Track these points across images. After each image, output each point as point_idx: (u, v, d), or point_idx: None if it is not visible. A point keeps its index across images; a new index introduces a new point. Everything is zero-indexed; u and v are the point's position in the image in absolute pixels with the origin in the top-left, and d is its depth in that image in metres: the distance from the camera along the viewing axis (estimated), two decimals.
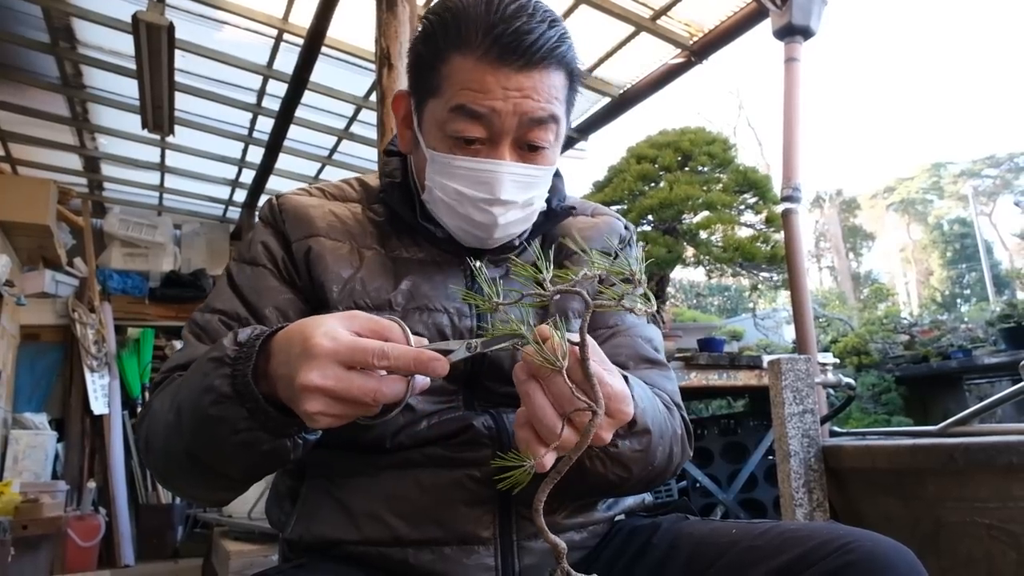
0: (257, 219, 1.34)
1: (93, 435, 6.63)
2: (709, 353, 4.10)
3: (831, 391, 3.69)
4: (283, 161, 6.36)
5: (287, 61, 5.02)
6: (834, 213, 31.44)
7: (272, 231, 1.27)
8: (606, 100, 5.50)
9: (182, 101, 5.33)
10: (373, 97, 5.34)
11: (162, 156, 6.60)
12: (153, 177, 7.11)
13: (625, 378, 1.01)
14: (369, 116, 5.87)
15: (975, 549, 1.93)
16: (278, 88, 5.41)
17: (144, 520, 6.60)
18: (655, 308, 0.86)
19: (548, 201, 1.30)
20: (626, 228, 1.45)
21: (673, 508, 1.33)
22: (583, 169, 6.57)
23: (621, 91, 5.36)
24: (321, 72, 5.04)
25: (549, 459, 0.87)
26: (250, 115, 5.98)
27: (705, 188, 4.58)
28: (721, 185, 4.62)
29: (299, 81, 4.96)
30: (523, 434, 0.91)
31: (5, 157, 6.47)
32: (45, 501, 5.02)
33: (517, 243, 1.30)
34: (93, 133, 6.30)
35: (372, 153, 6.29)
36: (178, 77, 4.85)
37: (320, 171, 7.10)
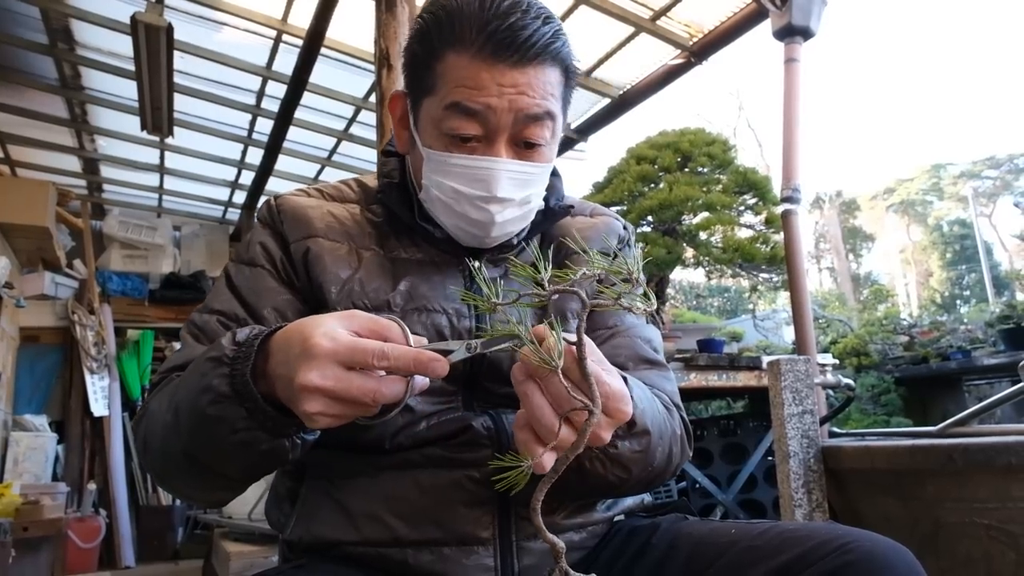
0: (256, 220, 1.34)
1: (93, 437, 6.63)
2: (709, 354, 4.10)
3: (830, 392, 3.69)
4: (282, 162, 6.37)
5: (286, 62, 5.02)
6: (834, 214, 31.45)
7: (270, 232, 1.27)
8: (606, 101, 5.50)
9: (181, 102, 5.34)
10: (372, 98, 5.34)
11: (161, 158, 6.60)
12: (152, 179, 7.12)
13: (624, 379, 1.00)
14: (368, 117, 5.87)
15: (974, 549, 1.93)
16: (277, 89, 5.41)
17: (144, 522, 6.60)
18: (655, 307, 0.86)
19: (546, 200, 1.30)
20: (625, 228, 1.45)
21: (672, 508, 1.33)
22: (583, 170, 6.57)
23: (621, 92, 5.36)
24: (320, 73, 5.04)
25: (548, 459, 0.87)
26: (249, 116, 5.98)
27: (705, 189, 4.58)
28: (721, 186, 4.62)
29: (298, 82, 4.96)
30: (523, 436, 0.91)
31: (4, 159, 6.47)
32: (45, 503, 5.02)
33: (515, 242, 1.30)
34: (92, 135, 6.30)
35: (371, 154, 6.29)
36: (177, 78, 4.86)
37: (319, 172, 7.10)
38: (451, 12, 1.12)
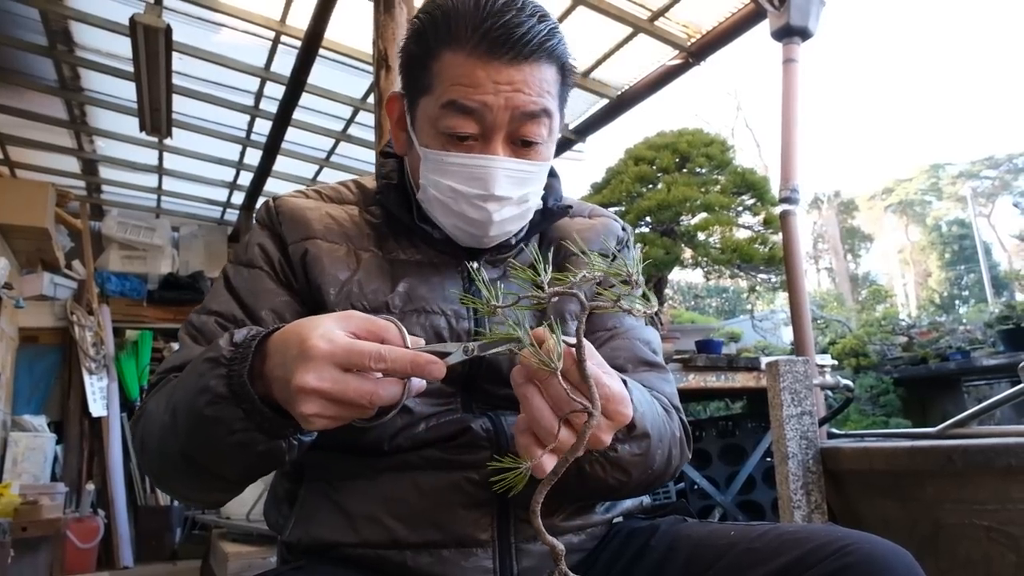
0: (254, 221, 1.34)
1: (92, 437, 6.63)
2: (707, 355, 4.09)
3: (829, 393, 3.69)
4: (281, 163, 6.37)
5: (285, 63, 5.02)
6: (832, 214, 31.48)
7: (269, 233, 1.27)
8: (604, 102, 5.49)
9: (180, 104, 5.33)
10: (371, 99, 5.35)
11: (160, 159, 6.60)
12: (151, 179, 7.12)
13: (624, 382, 1.00)
14: (367, 118, 5.87)
15: (974, 551, 1.93)
16: (276, 90, 5.41)
17: (143, 522, 6.59)
18: (655, 308, 0.86)
19: (544, 200, 1.30)
20: (623, 229, 1.45)
21: (671, 510, 1.33)
22: (581, 171, 6.58)
23: (619, 92, 5.35)
24: (319, 74, 5.04)
25: (547, 461, 0.87)
26: (248, 117, 5.98)
27: (703, 190, 4.58)
28: (719, 186, 4.62)
29: (297, 83, 4.95)
30: (523, 440, 0.91)
31: (3, 160, 6.47)
32: (44, 503, 5.01)
33: (514, 243, 1.30)
34: (91, 136, 6.30)
35: (370, 155, 6.29)
36: (176, 79, 4.85)
37: (318, 173, 7.10)
38: (447, 11, 1.12)
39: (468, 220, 1.19)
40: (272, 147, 5.92)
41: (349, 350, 0.88)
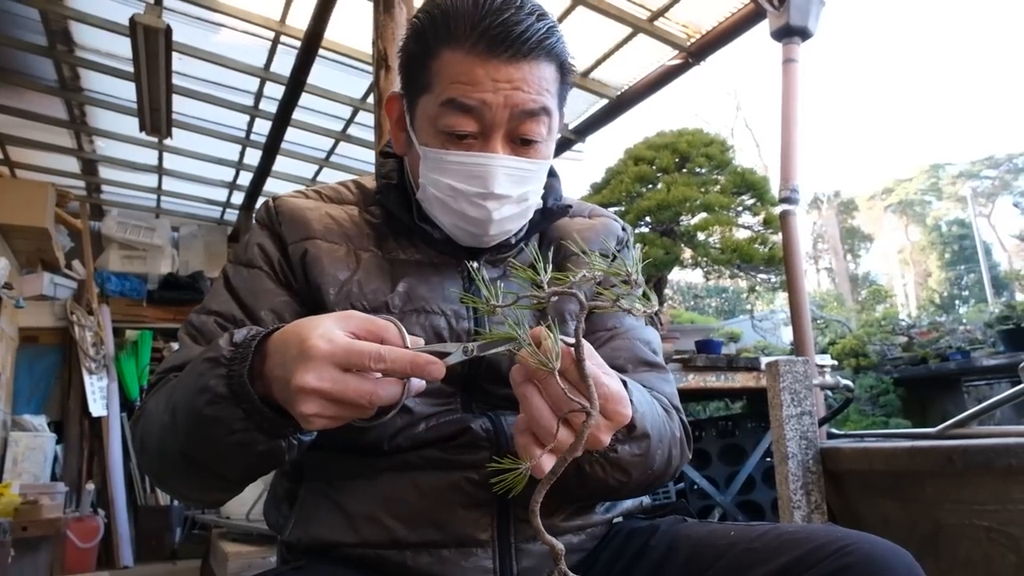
0: (254, 221, 1.34)
1: (92, 437, 6.63)
2: (707, 355, 4.09)
3: (829, 393, 3.69)
4: (280, 163, 6.37)
5: (284, 63, 5.02)
6: (832, 214, 31.49)
7: (268, 233, 1.27)
8: (603, 102, 5.49)
9: (179, 104, 5.33)
10: (370, 99, 5.35)
11: (160, 159, 6.60)
12: (151, 180, 7.12)
13: (624, 383, 1.00)
14: (366, 118, 5.87)
15: (974, 551, 1.93)
16: (275, 90, 5.41)
17: (143, 522, 6.59)
18: (656, 308, 0.86)
19: (544, 200, 1.30)
20: (623, 229, 1.45)
21: (671, 510, 1.33)
22: (580, 171, 6.57)
23: (618, 93, 5.35)
24: (318, 74, 5.04)
25: (546, 461, 0.87)
26: (247, 117, 5.98)
27: (703, 190, 4.58)
28: (719, 186, 4.62)
29: (296, 83, 4.95)
30: (522, 440, 0.91)
31: (3, 160, 6.47)
32: (44, 503, 5.02)
33: (514, 242, 1.30)
34: (91, 136, 6.30)
35: (370, 155, 6.29)
36: (175, 80, 4.85)
37: (317, 173, 7.11)
38: (446, 10, 1.13)
39: (468, 219, 1.19)
40: (272, 147, 5.91)
41: (349, 350, 0.88)
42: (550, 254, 1.33)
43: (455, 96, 1.12)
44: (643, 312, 0.85)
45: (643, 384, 1.17)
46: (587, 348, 0.87)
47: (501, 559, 1.12)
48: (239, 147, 6.49)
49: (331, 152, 6.66)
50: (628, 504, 1.32)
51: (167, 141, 5.88)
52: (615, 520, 1.28)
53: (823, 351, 8.06)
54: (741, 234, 4.64)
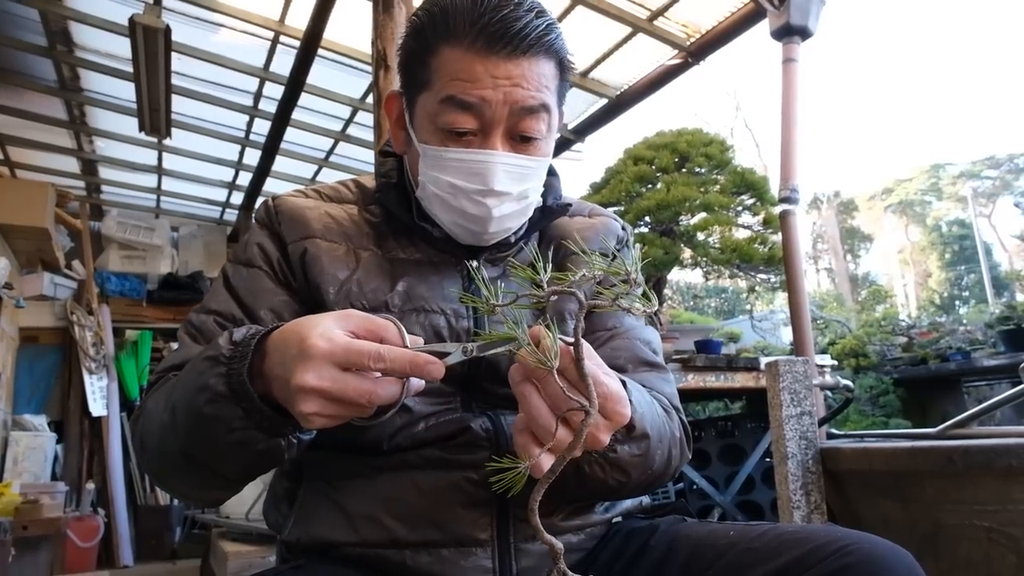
0: (253, 221, 1.34)
1: (92, 437, 6.63)
2: (706, 355, 4.09)
3: (829, 393, 3.69)
4: (280, 163, 6.36)
5: (283, 63, 5.01)
6: (832, 214, 31.48)
7: (268, 233, 1.27)
8: (603, 101, 5.49)
9: (179, 104, 5.33)
10: (370, 99, 5.35)
11: (159, 159, 6.60)
12: (150, 180, 7.12)
13: (623, 383, 1.00)
14: (366, 118, 5.87)
15: (974, 552, 1.93)
16: (274, 90, 5.41)
17: (142, 521, 6.60)
18: (656, 307, 0.86)
19: (544, 199, 1.30)
20: (623, 229, 1.45)
21: (671, 510, 1.33)
22: (580, 171, 6.57)
23: (618, 92, 5.35)
24: (317, 74, 5.03)
25: (545, 460, 0.87)
26: (247, 117, 5.98)
27: (702, 189, 4.57)
28: (719, 186, 4.61)
29: (295, 83, 4.95)
30: (521, 439, 0.92)
31: (3, 160, 6.47)
32: (45, 502, 5.03)
33: (513, 241, 1.30)
34: (90, 136, 6.30)
35: (369, 155, 6.29)
36: (175, 80, 4.85)
37: (317, 173, 7.10)
38: (444, 8, 1.13)
39: (467, 216, 1.19)
40: (271, 147, 5.91)
41: (348, 349, 0.88)
42: (549, 253, 1.33)
43: (454, 93, 1.12)
44: (642, 311, 0.85)
45: (643, 384, 1.17)
46: (586, 347, 0.87)
47: (500, 559, 1.12)
48: (238, 147, 6.48)
49: (330, 152, 6.66)
50: (628, 504, 1.32)
51: (166, 141, 5.88)
52: (615, 520, 1.28)
53: (823, 351, 8.06)
54: (741, 234, 4.63)
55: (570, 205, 1.39)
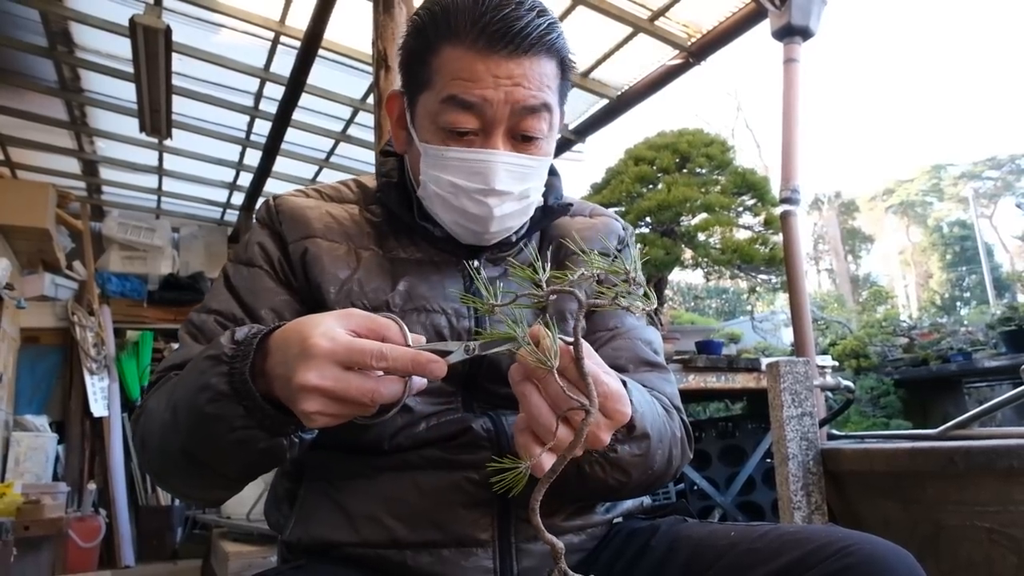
0: (254, 220, 1.34)
1: (93, 437, 6.63)
2: (707, 355, 4.09)
3: (830, 394, 3.68)
4: (280, 164, 6.37)
5: (284, 64, 5.01)
6: (833, 215, 31.46)
7: (269, 232, 1.27)
8: (604, 102, 5.48)
9: (179, 104, 5.34)
10: (370, 100, 5.35)
11: (160, 159, 6.60)
12: (151, 180, 7.12)
13: (624, 383, 1.00)
14: (366, 119, 5.87)
15: (975, 553, 1.92)
16: (275, 91, 5.41)
17: (144, 521, 6.60)
18: (655, 306, 0.86)
19: (545, 198, 1.30)
20: (624, 229, 1.45)
21: (672, 510, 1.33)
22: (581, 171, 6.56)
23: (619, 93, 5.35)
24: (318, 75, 5.03)
25: (546, 460, 0.87)
26: (247, 118, 5.98)
27: (703, 190, 4.57)
28: (719, 187, 4.61)
29: (296, 84, 4.95)
30: (522, 438, 0.92)
31: (4, 161, 6.48)
32: (46, 502, 5.04)
33: (514, 240, 1.30)
34: (91, 137, 6.31)
35: (369, 156, 6.29)
36: (175, 80, 4.86)
37: (317, 174, 7.10)
38: (446, 7, 1.13)
39: (469, 216, 1.19)
40: (272, 148, 5.91)
41: (350, 348, 0.88)
42: (549, 253, 1.33)
43: (456, 93, 1.11)
44: (642, 310, 0.85)
45: (644, 384, 1.17)
46: (586, 347, 0.87)
47: (502, 559, 1.12)
48: (239, 148, 6.49)
49: (331, 153, 6.66)
50: (629, 504, 1.32)
51: (167, 142, 5.89)
52: (615, 520, 1.27)
53: (824, 352, 8.06)
54: (742, 235, 4.63)
55: (571, 205, 1.39)
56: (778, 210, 3.24)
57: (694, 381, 3.88)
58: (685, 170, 4.74)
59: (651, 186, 4.67)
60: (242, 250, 1.27)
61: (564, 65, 1.19)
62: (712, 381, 3.95)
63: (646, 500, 1.37)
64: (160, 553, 6.47)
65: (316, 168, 6.98)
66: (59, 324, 6.77)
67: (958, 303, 26.69)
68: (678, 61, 4.76)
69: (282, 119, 5.44)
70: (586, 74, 5.12)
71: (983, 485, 1.91)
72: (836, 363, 3.07)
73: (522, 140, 1.17)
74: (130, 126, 5.57)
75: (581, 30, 4.55)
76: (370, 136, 5.84)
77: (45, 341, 6.76)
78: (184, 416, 0.98)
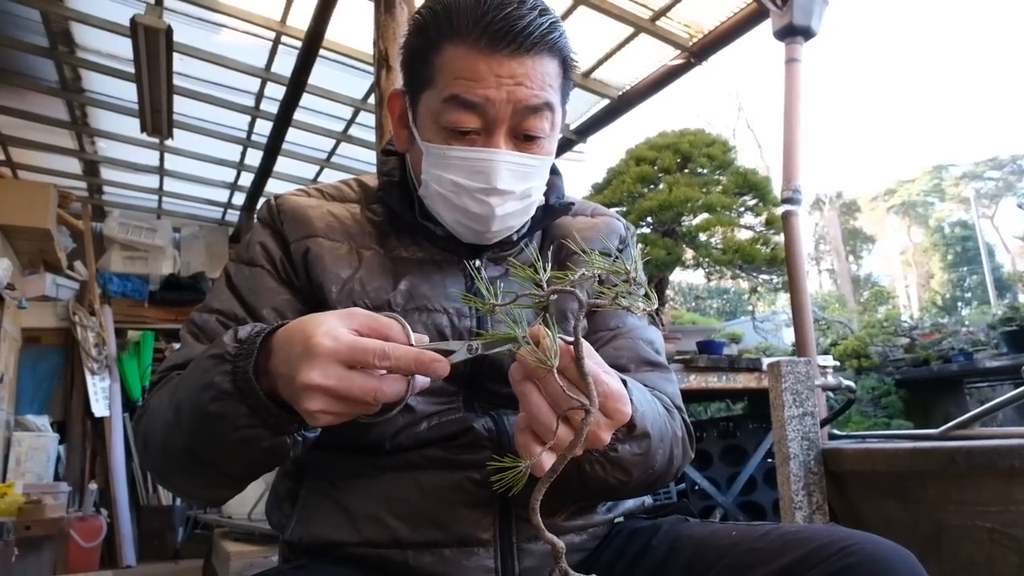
0: (255, 220, 1.34)
1: (94, 437, 6.64)
2: (708, 355, 4.09)
3: (831, 394, 3.69)
4: (281, 164, 6.37)
5: (285, 64, 5.02)
6: (834, 215, 31.44)
7: (270, 232, 1.27)
8: (605, 102, 5.49)
9: (181, 104, 5.34)
10: (371, 99, 5.34)
11: (161, 159, 6.61)
12: (152, 180, 7.13)
13: (624, 382, 1.00)
14: (367, 119, 5.87)
15: (976, 553, 1.92)
16: (276, 91, 5.42)
17: (145, 521, 6.61)
18: (656, 305, 0.86)
19: (546, 197, 1.30)
20: (626, 229, 1.44)
21: (673, 510, 1.33)
22: (582, 171, 6.56)
23: (620, 93, 5.35)
24: (319, 75, 5.04)
25: (546, 459, 0.87)
26: (248, 118, 5.99)
27: (704, 190, 4.57)
28: (721, 187, 4.61)
29: (297, 84, 4.96)
30: (522, 438, 0.92)
31: (5, 161, 6.49)
32: (47, 502, 5.05)
33: (516, 239, 1.30)
34: (92, 137, 6.31)
35: (371, 155, 6.29)
36: (176, 80, 4.86)
37: (319, 174, 7.11)
38: (448, 6, 1.12)
39: (470, 215, 1.19)
40: (273, 148, 5.92)
41: (353, 347, 0.88)
42: (550, 252, 1.33)
43: (458, 92, 1.11)
44: (643, 310, 0.85)
45: (646, 384, 1.17)
46: (586, 346, 0.87)
47: (503, 559, 1.12)
48: (240, 148, 6.49)
49: (332, 153, 6.67)
50: (630, 504, 1.32)
51: (168, 142, 5.90)
52: (617, 520, 1.28)
53: (825, 352, 8.06)
54: (743, 235, 4.63)
55: (573, 204, 1.39)
56: (779, 210, 3.24)
57: (695, 381, 3.88)
58: (686, 170, 4.73)
59: (652, 186, 4.67)
60: (244, 250, 1.27)
61: (566, 64, 1.19)
62: (713, 381, 3.95)
63: (647, 500, 1.37)
64: (161, 553, 6.48)
65: (317, 168, 6.99)
66: (60, 324, 6.78)
67: (959, 303, 26.66)
68: (679, 61, 4.76)
69: (283, 119, 5.44)
70: (587, 74, 5.12)
71: (984, 485, 1.90)
72: (837, 363, 3.08)
73: (524, 139, 1.17)
74: (131, 126, 5.57)
75: (582, 30, 4.55)
76: (371, 136, 5.84)
77: (46, 341, 6.77)
78: (187, 415, 0.98)
